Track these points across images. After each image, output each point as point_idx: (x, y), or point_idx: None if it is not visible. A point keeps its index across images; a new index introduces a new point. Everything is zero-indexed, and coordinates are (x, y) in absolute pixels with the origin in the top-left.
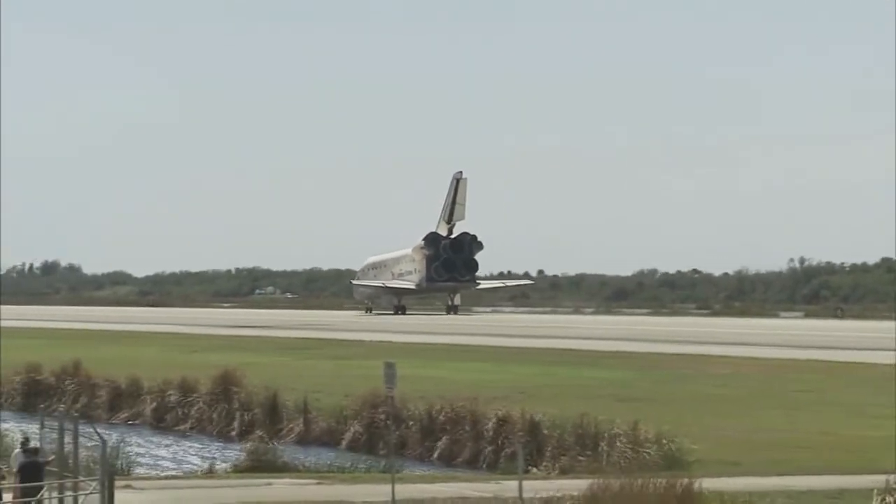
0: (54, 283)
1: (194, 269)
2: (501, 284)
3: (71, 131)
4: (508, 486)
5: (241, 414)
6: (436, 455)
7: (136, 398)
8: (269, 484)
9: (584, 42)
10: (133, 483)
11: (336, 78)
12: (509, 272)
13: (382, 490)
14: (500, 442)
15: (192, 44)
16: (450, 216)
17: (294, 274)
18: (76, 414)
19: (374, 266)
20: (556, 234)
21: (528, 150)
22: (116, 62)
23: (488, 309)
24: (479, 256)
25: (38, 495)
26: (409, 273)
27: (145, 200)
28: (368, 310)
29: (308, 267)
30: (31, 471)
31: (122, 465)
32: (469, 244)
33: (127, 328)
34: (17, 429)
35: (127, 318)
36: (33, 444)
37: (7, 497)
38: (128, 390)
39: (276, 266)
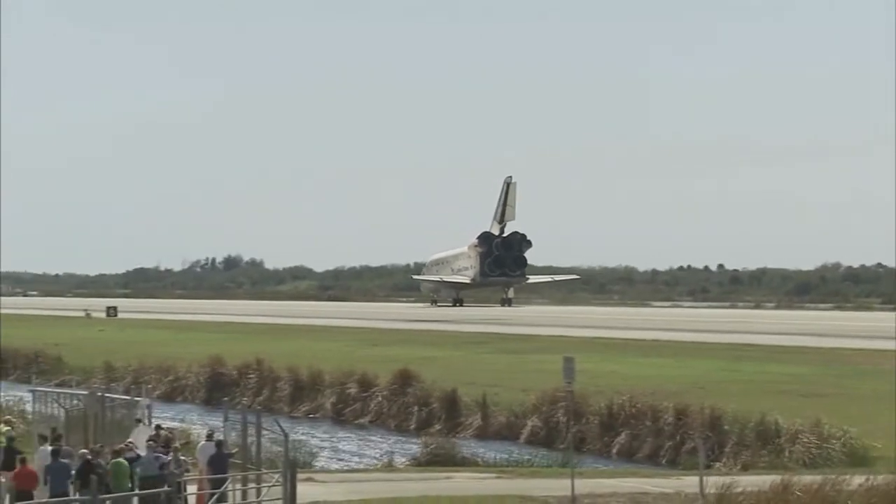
0: (237, 277)
1: (374, 263)
2: (550, 279)
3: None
4: (689, 482)
5: (419, 408)
6: (615, 450)
7: (316, 392)
8: (449, 478)
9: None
10: (314, 476)
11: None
12: (690, 266)
13: (562, 485)
14: (680, 437)
15: (282, 43)
16: (501, 216)
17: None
18: (258, 407)
19: (437, 262)
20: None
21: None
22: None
23: (667, 304)
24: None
25: (223, 487)
26: (466, 269)
27: (325, 196)
28: (434, 302)
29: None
30: (218, 463)
31: (303, 458)
32: (519, 242)
33: (307, 322)
34: (201, 422)
35: (308, 313)
36: (217, 436)
37: (192, 488)
38: (309, 384)
39: None
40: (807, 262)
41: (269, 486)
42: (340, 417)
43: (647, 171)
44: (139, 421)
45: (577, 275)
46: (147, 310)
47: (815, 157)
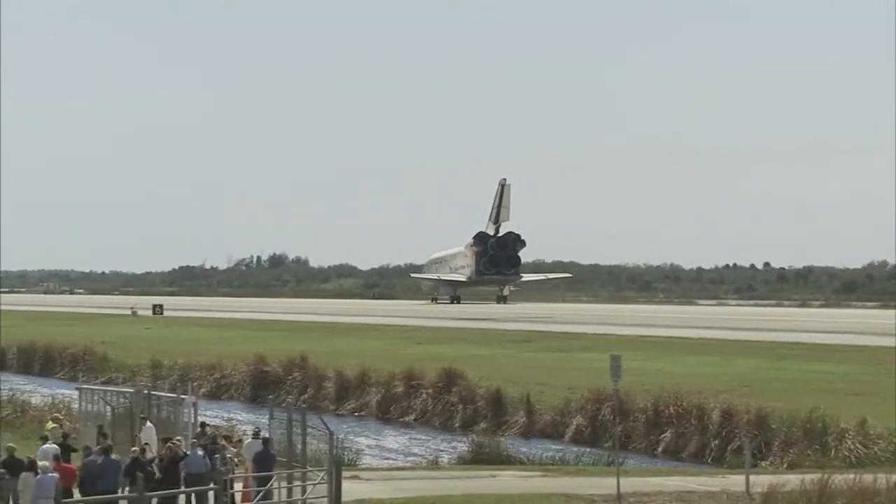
0: (281, 275)
1: (419, 261)
2: (543, 277)
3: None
4: (735, 481)
5: (464, 406)
6: (661, 448)
7: (361, 390)
8: (494, 476)
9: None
10: (359, 474)
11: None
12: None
13: (607, 483)
14: (725, 436)
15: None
16: (496, 217)
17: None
18: (303, 405)
19: (436, 261)
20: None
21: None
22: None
23: (713, 301)
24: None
25: (269, 484)
26: (463, 267)
27: (371, 194)
28: (434, 300)
29: (531, 260)
30: (263, 460)
31: (348, 455)
32: (513, 242)
33: (352, 320)
34: (247, 419)
35: (352, 311)
36: (263, 434)
37: (238, 485)
38: (354, 382)
39: None
40: (854, 260)
41: (315, 484)
42: (385, 415)
43: (702, 171)
44: (144, 419)
45: (622, 271)
46: (193, 307)
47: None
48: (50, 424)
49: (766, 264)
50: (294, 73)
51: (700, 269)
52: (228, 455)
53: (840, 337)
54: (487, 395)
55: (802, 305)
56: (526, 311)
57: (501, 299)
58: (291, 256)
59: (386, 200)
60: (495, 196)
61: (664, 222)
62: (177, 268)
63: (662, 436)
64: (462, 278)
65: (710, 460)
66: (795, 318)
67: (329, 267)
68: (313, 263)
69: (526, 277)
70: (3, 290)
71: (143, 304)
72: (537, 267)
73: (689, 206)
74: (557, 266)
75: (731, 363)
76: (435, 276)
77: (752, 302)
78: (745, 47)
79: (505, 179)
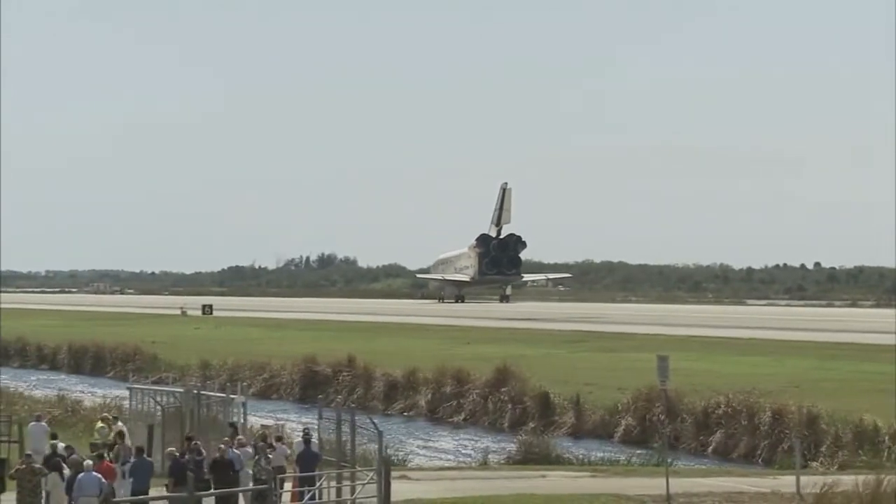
0: (330, 275)
1: None
2: (543, 277)
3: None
4: (785, 482)
5: (513, 406)
6: (710, 449)
7: (410, 389)
8: (543, 476)
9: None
10: (408, 473)
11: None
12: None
13: (657, 483)
14: (776, 436)
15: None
16: (498, 220)
17: (565, 267)
18: (352, 405)
19: (442, 262)
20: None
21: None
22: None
23: (763, 302)
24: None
25: (318, 484)
26: (467, 268)
27: (418, 193)
28: (441, 299)
29: (580, 259)
30: (305, 460)
31: (397, 455)
32: (514, 244)
33: (401, 320)
34: (297, 419)
35: (401, 311)
36: (306, 434)
37: (287, 485)
38: (403, 382)
39: (547, 258)
40: None
41: (364, 484)
42: (434, 415)
43: (753, 172)
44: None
45: (669, 271)
46: (242, 308)
47: None
48: (100, 423)
49: (817, 264)
50: (300, 72)
51: (750, 269)
52: (270, 455)
53: (891, 337)
54: (537, 394)
55: (853, 305)
56: (576, 311)
57: (504, 298)
58: (340, 256)
59: (434, 199)
60: (497, 199)
61: (714, 222)
62: (226, 268)
63: (712, 436)
64: (466, 278)
65: (760, 461)
66: (846, 319)
67: (378, 267)
68: (362, 263)
69: (527, 277)
70: (45, 290)
71: (193, 304)
72: (556, 268)
73: (740, 206)
74: (604, 266)
75: (781, 363)
76: (438, 277)
77: (802, 302)
78: (744, 48)
79: (506, 183)
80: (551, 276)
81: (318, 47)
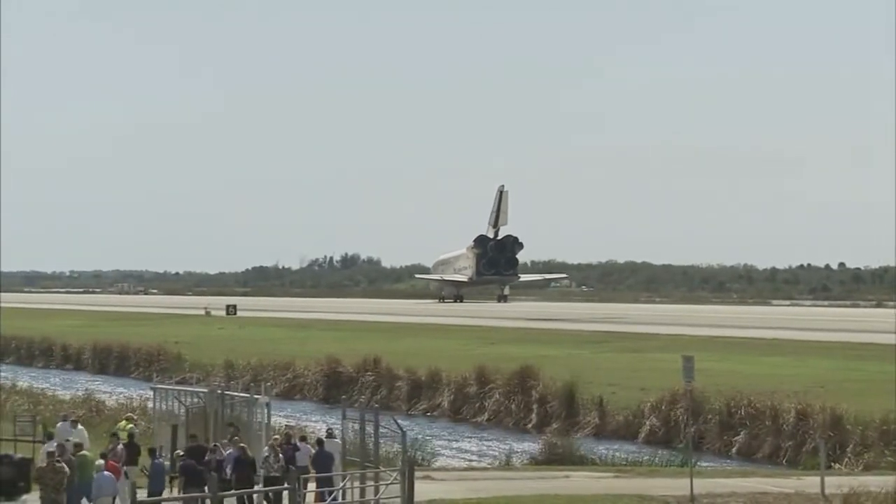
0: (354, 275)
1: None
2: (540, 277)
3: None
4: (809, 482)
5: (537, 407)
6: (734, 450)
7: (434, 390)
8: (567, 476)
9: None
10: (432, 474)
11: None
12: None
13: (680, 484)
14: (800, 437)
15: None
16: (495, 221)
17: (589, 267)
18: (376, 405)
19: (442, 263)
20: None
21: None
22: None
23: (787, 302)
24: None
25: (342, 484)
26: (465, 268)
27: (439, 194)
28: (441, 299)
29: (603, 260)
30: (319, 461)
31: (421, 455)
32: (511, 245)
33: (424, 321)
34: (320, 419)
35: (424, 311)
36: (321, 435)
37: (311, 486)
38: (426, 382)
39: (572, 259)
40: None
41: (388, 484)
42: (458, 416)
43: (773, 172)
44: (67, 419)
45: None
46: (266, 308)
47: None
48: (123, 423)
49: (841, 264)
50: (300, 72)
51: (774, 270)
52: (282, 455)
53: None
54: (560, 395)
55: (878, 306)
56: (599, 312)
57: (502, 298)
58: (364, 257)
59: (458, 200)
60: (494, 201)
61: (738, 223)
62: (250, 268)
63: (736, 437)
64: (464, 279)
65: (784, 461)
66: (871, 319)
67: (401, 267)
68: (385, 264)
69: (524, 277)
70: (70, 290)
71: (217, 304)
72: (579, 268)
73: (763, 207)
74: (627, 266)
75: (806, 364)
76: (437, 277)
77: (826, 302)
78: (744, 48)
79: (503, 186)
80: (548, 276)
81: (318, 47)
